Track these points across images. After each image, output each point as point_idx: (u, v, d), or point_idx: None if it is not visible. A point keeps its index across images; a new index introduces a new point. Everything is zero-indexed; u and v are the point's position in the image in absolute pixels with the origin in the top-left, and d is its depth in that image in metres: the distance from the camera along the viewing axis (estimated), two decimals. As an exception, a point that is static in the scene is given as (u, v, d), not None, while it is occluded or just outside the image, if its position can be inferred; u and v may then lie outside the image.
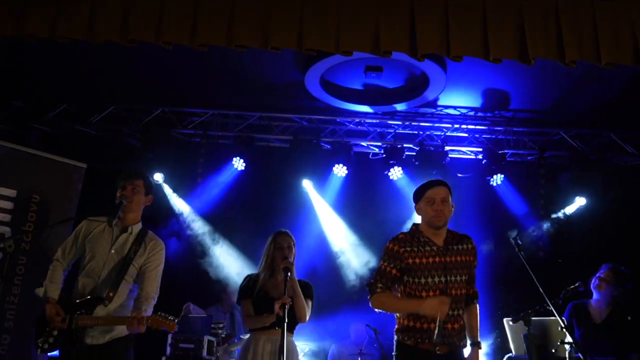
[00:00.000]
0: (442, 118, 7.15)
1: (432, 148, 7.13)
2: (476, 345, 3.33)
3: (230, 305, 6.52)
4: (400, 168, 7.12)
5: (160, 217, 6.85)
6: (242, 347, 4.02)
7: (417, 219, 3.50)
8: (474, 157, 7.34)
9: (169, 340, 5.65)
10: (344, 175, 7.18)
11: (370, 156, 7.44)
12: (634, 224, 6.27)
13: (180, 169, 7.12)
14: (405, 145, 7.23)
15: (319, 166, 7.12)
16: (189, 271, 6.87)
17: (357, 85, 6.63)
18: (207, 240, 7.29)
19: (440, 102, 6.89)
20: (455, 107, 7.00)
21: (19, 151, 4.80)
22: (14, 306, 4.55)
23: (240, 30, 3.74)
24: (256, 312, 3.90)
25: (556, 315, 3.53)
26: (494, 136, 7.23)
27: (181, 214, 7.34)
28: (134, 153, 6.85)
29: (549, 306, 3.67)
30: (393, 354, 3.34)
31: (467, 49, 3.79)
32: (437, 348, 3.17)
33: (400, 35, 3.79)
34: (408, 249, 3.29)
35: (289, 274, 3.71)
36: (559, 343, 3.74)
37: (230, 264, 7.16)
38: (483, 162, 7.15)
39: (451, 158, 7.23)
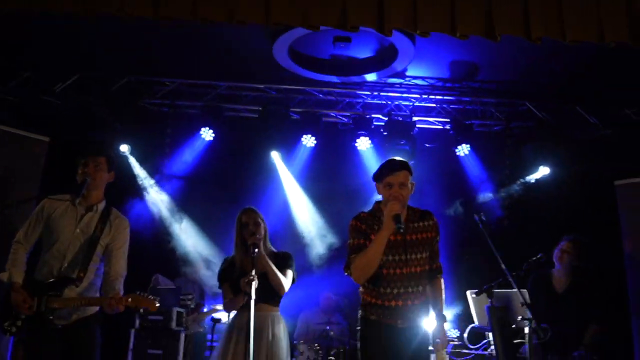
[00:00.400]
0: (410, 88, 7.16)
1: (400, 118, 7.17)
2: (441, 319, 3.42)
3: (196, 277, 6.55)
4: (368, 138, 7.16)
5: (126, 190, 6.77)
6: (227, 325, 4.06)
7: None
8: (441, 127, 7.40)
9: (137, 313, 5.67)
10: (312, 145, 7.18)
11: (339, 126, 7.44)
12: (596, 194, 6.43)
13: (147, 140, 7.02)
14: (373, 115, 7.26)
15: (288, 137, 7.11)
16: (156, 244, 6.84)
17: (326, 56, 6.58)
18: (174, 212, 7.25)
19: (408, 73, 6.88)
20: (423, 78, 7.00)
21: (-24, 125, 4.63)
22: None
23: (204, 4, 3.66)
24: (235, 293, 3.91)
25: (516, 288, 3.65)
26: (461, 107, 7.29)
27: (147, 186, 7.24)
28: (99, 124, 6.70)
29: (511, 279, 3.81)
30: (357, 328, 3.42)
31: (434, 25, 3.78)
32: (399, 322, 3.26)
33: (367, 10, 3.75)
34: (370, 226, 3.34)
35: (256, 249, 3.72)
36: (519, 318, 3.85)
37: (196, 237, 7.15)
38: (450, 133, 7.23)
39: (419, 128, 7.27)
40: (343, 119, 7.38)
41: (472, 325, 4.51)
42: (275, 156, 7.43)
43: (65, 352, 3.46)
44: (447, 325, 3.50)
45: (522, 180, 7.38)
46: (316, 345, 6.08)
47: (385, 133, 7.12)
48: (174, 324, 5.66)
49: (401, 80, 7.06)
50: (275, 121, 6.97)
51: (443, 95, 7.20)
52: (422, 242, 3.38)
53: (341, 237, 7.09)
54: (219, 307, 6.22)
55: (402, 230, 3.15)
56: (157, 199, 7.24)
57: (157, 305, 3.53)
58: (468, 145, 7.17)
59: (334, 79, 6.87)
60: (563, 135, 7.09)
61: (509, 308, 4.00)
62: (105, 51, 6.35)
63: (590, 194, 6.43)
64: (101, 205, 3.71)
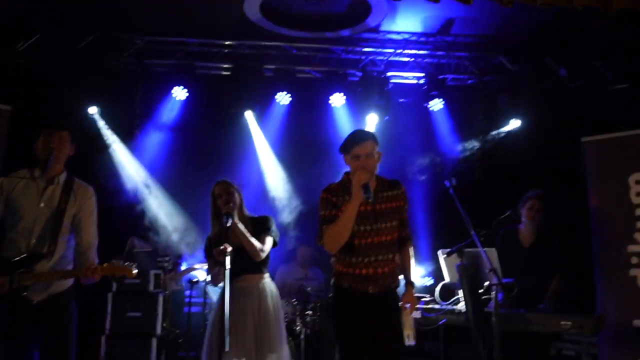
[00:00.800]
0: (384, 43, 7.10)
1: (375, 74, 7.14)
2: (409, 284, 3.53)
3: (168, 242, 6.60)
4: (342, 94, 7.15)
5: (95, 153, 6.69)
6: (218, 296, 4.06)
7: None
8: (415, 82, 7.41)
9: (114, 276, 5.71)
10: (287, 103, 7.14)
11: (313, 83, 7.38)
12: (564, 148, 6.52)
13: (117, 100, 6.87)
14: (348, 71, 7.22)
15: (262, 95, 7.05)
16: (127, 208, 6.79)
17: (299, 11, 6.46)
18: (145, 177, 7.18)
19: (382, 28, 6.82)
20: (398, 32, 6.94)
21: None
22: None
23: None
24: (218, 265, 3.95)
25: (483, 252, 3.76)
26: (435, 60, 7.28)
27: (117, 149, 7.13)
28: (65, 85, 6.51)
29: (480, 238, 3.94)
30: (329, 295, 3.52)
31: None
32: (370, 288, 3.36)
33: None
34: (340, 198, 3.38)
35: (229, 219, 3.75)
36: (487, 270, 3.97)
37: (167, 201, 7.13)
38: (424, 88, 7.24)
39: (393, 84, 7.27)
40: (317, 75, 7.33)
41: (443, 282, 4.66)
42: (249, 116, 7.37)
43: (41, 328, 3.46)
44: (418, 282, 3.62)
45: (493, 133, 7.48)
46: (293, 300, 6.21)
47: (360, 89, 7.11)
48: (151, 287, 5.71)
49: (375, 35, 6.99)
50: (248, 78, 6.89)
51: (417, 49, 7.16)
52: (392, 211, 3.44)
53: (316, 195, 7.16)
54: (197, 265, 6.31)
55: (370, 200, 3.20)
56: (127, 162, 7.14)
57: (135, 272, 3.54)
58: (442, 100, 7.21)
59: (307, 35, 6.78)
60: (534, 88, 7.16)
61: (479, 266, 4.12)
62: (69, 7, 6.11)
63: (559, 148, 6.52)
64: (62, 177, 3.64)
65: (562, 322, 4.06)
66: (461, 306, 4.44)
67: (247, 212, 4.16)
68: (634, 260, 4.69)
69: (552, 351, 6.04)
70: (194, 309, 6.20)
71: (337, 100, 7.14)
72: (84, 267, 3.47)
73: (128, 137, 7.10)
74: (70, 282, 3.62)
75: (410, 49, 7.13)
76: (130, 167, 7.13)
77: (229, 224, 3.71)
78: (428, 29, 6.84)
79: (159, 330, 5.66)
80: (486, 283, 3.98)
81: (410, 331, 3.45)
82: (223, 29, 6.72)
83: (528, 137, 7.18)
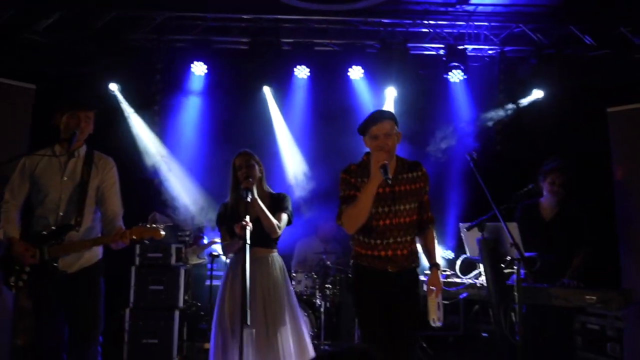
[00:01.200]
0: (403, 14, 6.98)
1: (394, 45, 7.03)
2: (434, 267, 3.53)
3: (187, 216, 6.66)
4: (360, 67, 7.07)
5: (116, 131, 6.74)
6: (227, 267, 4.15)
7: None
8: (435, 53, 7.29)
9: (137, 251, 5.80)
10: (305, 77, 7.10)
11: (331, 55, 7.30)
12: (589, 119, 6.41)
13: (136, 77, 6.91)
14: (366, 42, 7.12)
15: (280, 68, 7.01)
16: (147, 183, 6.86)
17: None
18: (165, 152, 7.23)
19: (401, -3, 6.71)
20: (417, 2, 6.81)
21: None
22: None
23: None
24: (232, 237, 3.99)
25: (504, 225, 3.73)
26: (455, 31, 7.14)
27: (137, 124, 7.19)
28: (87, 62, 6.56)
29: (501, 211, 3.89)
30: (349, 275, 3.53)
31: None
32: (389, 267, 3.36)
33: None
34: (359, 179, 3.37)
35: (249, 194, 3.76)
36: (509, 244, 3.92)
37: (188, 178, 7.18)
38: (444, 59, 7.13)
39: (413, 55, 7.16)
40: (335, 47, 7.24)
41: (464, 256, 4.63)
42: (267, 92, 7.34)
43: (71, 301, 3.56)
44: (442, 256, 3.62)
45: (515, 104, 7.35)
46: (313, 273, 6.25)
47: (378, 61, 7.02)
48: (173, 260, 5.79)
49: (395, 6, 6.87)
50: (266, 52, 6.85)
51: (437, 19, 7.03)
52: (411, 193, 3.41)
53: (337, 168, 7.15)
54: (218, 239, 6.36)
55: (389, 182, 3.18)
56: (147, 137, 7.19)
57: (163, 233, 3.58)
58: (462, 71, 7.09)
59: (324, 7, 6.68)
60: (558, 57, 6.99)
61: (500, 240, 4.08)
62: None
63: (583, 119, 6.40)
64: (82, 150, 3.71)
65: (587, 297, 4.00)
66: (482, 280, 4.42)
67: (266, 186, 4.17)
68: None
69: (576, 324, 6.04)
70: (215, 282, 6.27)
71: (356, 72, 7.06)
72: (112, 234, 3.53)
73: (148, 113, 7.13)
74: (99, 255, 3.72)
75: (430, 19, 7.00)
76: (151, 143, 7.19)
77: (248, 199, 3.72)
78: (448, -3, 6.71)
79: (181, 303, 5.76)
80: (508, 257, 3.94)
81: (435, 315, 3.45)
82: (240, 3, 6.67)
83: (551, 108, 7.05)
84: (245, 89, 7.12)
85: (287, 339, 3.92)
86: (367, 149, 3.45)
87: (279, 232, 3.98)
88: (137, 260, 5.78)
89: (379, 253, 3.37)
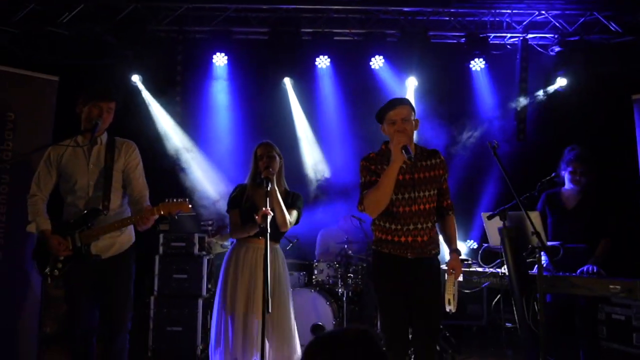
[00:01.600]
0: (424, 2, 6.92)
1: (414, 34, 6.98)
2: (455, 252, 3.54)
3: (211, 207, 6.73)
4: (381, 56, 7.05)
5: (138, 121, 6.81)
6: (228, 254, 4.20)
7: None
8: (456, 42, 7.22)
9: (161, 240, 5.88)
10: (326, 66, 7.10)
11: (351, 45, 7.28)
12: (614, 106, 6.31)
13: (158, 68, 6.96)
14: (387, 31, 7.08)
15: (301, 58, 7.01)
16: (171, 174, 6.95)
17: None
18: (187, 142, 7.31)
19: (421, -15, 6.66)
20: (437, -10, 6.77)
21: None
22: (2, 224, 4.62)
23: None
24: (243, 221, 4.04)
25: (525, 213, 3.70)
26: (477, 18, 7.07)
27: (160, 116, 7.27)
28: (109, 53, 6.65)
29: (525, 200, 3.87)
30: (371, 261, 3.56)
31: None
32: (409, 254, 3.39)
33: None
34: (379, 166, 3.41)
35: (269, 184, 3.80)
36: (530, 233, 3.89)
37: (210, 169, 7.23)
38: (465, 47, 7.06)
39: (433, 43, 7.11)
40: (356, 37, 7.22)
41: (486, 245, 4.61)
42: (287, 83, 7.36)
43: (103, 286, 3.64)
44: (465, 246, 3.63)
45: (538, 92, 7.26)
46: (335, 263, 6.29)
47: (398, 49, 6.98)
48: (196, 249, 5.86)
49: (414, -6, 6.83)
50: (286, 42, 6.85)
51: (458, 7, 6.96)
52: (431, 180, 3.44)
53: (358, 158, 7.16)
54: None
55: (412, 160, 3.21)
56: (169, 128, 7.27)
57: (190, 206, 3.60)
58: (483, 60, 7.04)
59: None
60: (582, 45, 6.88)
61: (523, 229, 4.04)
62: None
63: (608, 107, 6.31)
64: (104, 137, 3.78)
65: (611, 286, 3.95)
66: (504, 269, 4.40)
67: (284, 181, 4.23)
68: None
69: (601, 315, 5.98)
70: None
71: (377, 62, 7.04)
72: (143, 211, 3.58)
73: (169, 104, 7.19)
74: (131, 241, 3.80)
75: (451, 7, 6.93)
76: (172, 133, 7.27)
77: (268, 189, 3.76)
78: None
79: (204, 292, 5.83)
80: (529, 246, 3.91)
81: (450, 296, 3.45)
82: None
83: (576, 95, 6.96)
84: (266, 79, 7.15)
85: (289, 328, 4.01)
86: (387, 138, 3.46)
87: (288, 227, 4.04)
88: (161, 249, 5.86)
89: (399, 239, 3.40)
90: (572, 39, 6.90)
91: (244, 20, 6.98)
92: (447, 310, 3.48)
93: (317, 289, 6.10)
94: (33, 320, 4.54)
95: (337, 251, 6.55)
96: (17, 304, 4.47)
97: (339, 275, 6.20)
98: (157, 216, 3.55)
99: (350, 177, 7.16)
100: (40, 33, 6.54)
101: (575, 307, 4.36)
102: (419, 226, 3.39)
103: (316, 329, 5.79)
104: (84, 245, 3.57)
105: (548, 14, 6.89)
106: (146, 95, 7.21)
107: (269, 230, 3.57)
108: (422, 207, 3.40)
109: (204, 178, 7.17)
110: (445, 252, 3.86)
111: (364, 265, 6.40)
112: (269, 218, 3.65)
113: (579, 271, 4.21)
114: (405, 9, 6.96)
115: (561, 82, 7.09)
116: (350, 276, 6.23)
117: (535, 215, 3.98)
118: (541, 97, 7.26)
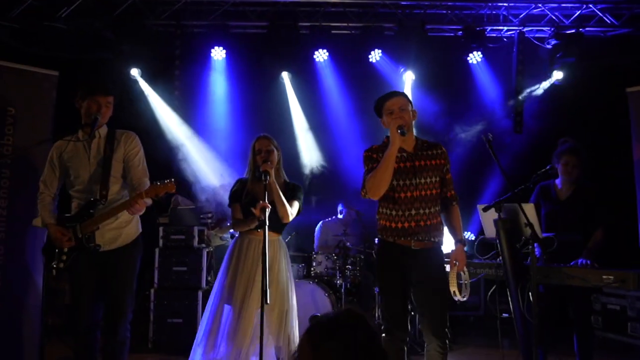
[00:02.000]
0: (421, -5, 6.96)
1: (411, 28, 7.01)
2: (460, 242, 3.63)
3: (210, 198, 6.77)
4: (379, 50, 7.08)
5: (138, 115, 6.84)
6: (230, 246, 4.25)
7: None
8: (453, 35, 7.26)
9: (161, 233, 5.94)
10: (323, 60, 7.14)
11: (349, 39, 7.31)
12: (611, 94, 6.34)
13: (156, 62, 7.00)
14: (385, 25, 7.12)
15: (299, 52, 7.05)
16: (171, 167, 6.98)
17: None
18: (186, 136, 7.35)
19: (418, -22, 6.68)
20: (434, -17, 6.79)
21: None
22: (3, 218, 4.66)
23: None
24: (244, 215, 4.08)
25: (518, 204, 3.76)
26: (474, 12, 7.10)
27: (158, 110, 7.30)
28: (107, 48, 6.68)
29: (520, 192, 3.91)
30: (375, 249, 3.65)
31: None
32: (413, 243, 3.47)
33: None
34: (380, 154, 3.50)
35: (268, 177, 3.85)
36: (524, 224, 3.94)
37: (209, 161, 7.28)
38: (462, 40, 7.10)
39: (431, 37, 7.14)
40: (353, 30, 7.25)
41: (482, 236, 4.66)
42: (285, 77, 7.41)
43: (108, 277, 3.69)
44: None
45: (535, 85, 7.31)
46: (334, 255, 6.35)
47: (396, 43, 7.02)
48: (195, 242, 5.92)
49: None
50: (284, 36, 6.88)
51: (454, 1, 6.99)
52: (432, 168, 3.55)
53: (356, 152, 7.23)
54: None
55: (405, 135, 3.37)
56: (169, 120, 7.32)
57: (174, 185, 3.58)
58: (480, 53, 7.07)
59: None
60: (578, 37, 6.92)
61: (518, 220, 4.09)
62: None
63: (604, 99, 6.35)
64: (103, 130, 3.81)
65: (604, 277, 4.01)
66: (499, 260, 4.45)
67: (283, 173, 4.25)
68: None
69: (597, 305, 6.05)
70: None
71: (375, 55, 7.08)
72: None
73: (168, 98, 7.23)
74: (136, 233, 3.84)
75: (448, 0, 6.96)
76: (171, 127, 7.30)
77: (266, 182, 3.81)
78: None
79: (204, 284, 5.89)
80: (523, 237, 3.97)
81: (455, 288, 3.51)
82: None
83: (572, 88, 7.00)
84: (264, 73, 7.18)
85: (290, 319, 4.05)
86: (387, 134, 3.55)
87: (291, 218, 4.08)
88: (161, 242, 5.91)
89: (403, 225, 3.49)
90: (568, 32, 6.94)
91: (242, 14, 7.01)
92: (456, 300, 3.54)
93: (316, 280, 6.16)
94: (36, 313, 4.58)
95: (336, 243, 6.61)
96: (19, 296, 4.51)
97: (338, 267, 6.26)
98: (148, 200, 3.58)
99: (347, 169, 7.23)
100: (39, 28, 6.56)
101: (569, 298, 4.42)
102: (420, 211, 3.49)
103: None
104: (85, 236, 3.63)
105: (544, 7, 6.93)
106: (145, 88, 7.25)
107: (267, 223, 3.62)
108: (422, 193, 3.50)
109: (203, 171, 7.21)
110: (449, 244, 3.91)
111: (362, 257, 6.46)
112: (268, 211, 3.70)
113: (572, 263, 4.26)
114: (403, 3, 7.00)
115: (557, 75, 7.14)
116: (348, 268, 6.28)
117: (530, 207, 4.03)
118: (538, 89, 7.31)
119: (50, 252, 3.66)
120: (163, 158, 6.90)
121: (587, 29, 6.96)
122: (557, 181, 4.68)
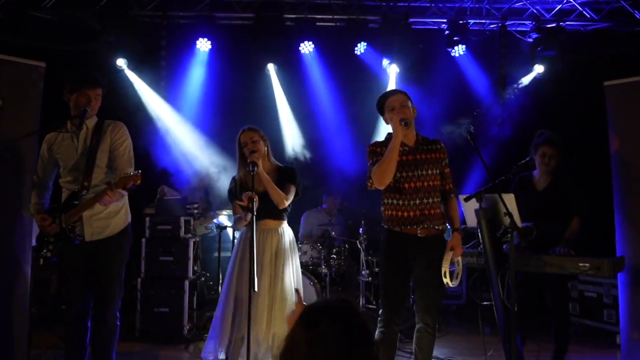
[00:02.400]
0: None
1: (395, 20, 7.09)
2: (456, 231, 3.81)
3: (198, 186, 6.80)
4: (364, 43, 7.15)
5: (126, 106, 6.84)
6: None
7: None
8: (436, 28, 7.34)
9: (147, 224, 5.97)
10: (308, 52, 7.19)
11: (334, 31, 7.37)
12: (590, 88, 6.46)
13: (142, 52, 7.00)
14: (369, 18, 7.18)
15: (284, 45, 7.09)
16: (157, 155, 7.00)
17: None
18: (172, 126, 7.38)
19: (403, -28, 6.75)
20: (418, -24, 6.87)
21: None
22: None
23: None
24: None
25: (498, 195, 3.87)
26: (457, 5, 7.20)
27: (146, 99, 7.32)
28: (92, 38, 6.66)
29: (500, 183, 4.02)
30: (381, 239, 3.77)
31: None
32: (419, 231, 3.66)
33: None
34: (384, 148, 3.68)
35: (256, 168, 3.90)
36: (504, 213, 4.04)
37: (197, 150, 7.32)
38: (446, 33, 7.19)
39: (415, 30, 7.23)
40: (339, 23, 7.30)
41: (463, 226, 4.76)
42: (271, 69, 7.46)
43: (96, 266, 3.74)
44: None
45: (518, 78, 7.43)
46: (319, 244, 6.44)
47: (380, 36, 7.09)
48: (182, 232, 5.96)
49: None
50: (270, 28, 6.91)
51: (439, -7, 7.08)
52: (432, 161, 3.75)
53: (341, 143, 7.33)
54: (224, 211, 6.53)
55: (407, 126, 3.55)
56: (158, 109, 7.33)
57: (140, 176, 3.59)
58: (464, 46, 7.17)
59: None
60: (558, 31, 7.04)
61: (498, 210, 4.19)
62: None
63: (584, 93, 6.47)
64: (91, 122, 3.83)
65: (581, 264, 4.13)
66: (480, 249, 4.56)
67: (273, 159, 4.29)
68: (655, 205, 4.68)
69: (574, 293, 6.22)
70: (223, 254, 6.45)
71: (360, 48, 7.15)
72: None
73: (154, 90, 7.24)
74: (124, 223, 3.89)
75: (431, -7, 7.05)
76: (159, 116, 7.32)
77: (254, 173, 3.87)
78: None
79: (190, 274, 5.93)
80: (502, 227, 4.08)
81: (446, 269, 3.65)
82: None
83: (553, 82, 7.13)
84: (249, 65, 7.21)
85: (291, 305, 4.10)
86: (388, 131, 3.76)
87: (287, 203, 4.12)
88: (148, 232, 5.94)
89: (409, 213, 3.66)
90: (549, 25, 7.06)
91: (228, 5, 7.04)
92: (445, 283, 3.67)
93: (301, 270, 6.23)
94: (25, 303, 4.59)
95: (321, 233, 6.70)
96: (8, 288, 4.52)
97: (322, 257, 6.34)
98: (123, 192, 3.62)
99: (332, 160, 7.31)
100: (25, 18, 6.52)
101: (547, 286, 4.55)
102: (424, 201, 3.68)
103: (300, 309, 5.92)
104: (69, 226, 3.67)
105: (526, 1, 7.05)
106: (132, 77, 7.24)
107: (254, 213, 3.69)
108: (425, 184, 3.70)
109: (189, 162, 7.23)
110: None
111: (347, 246, 6.56)
112: (256, 201, 3.76)
113: (550, 252, 4.38)
114: (387, -5, 7.07)
115: (539, 68, 7.26)
116: (333, 257, 6.38)
117: (509, 197, 4.13)
118: (520, 82, 7.43)
119: (40, 243, 3.72)
120: (150, 149, 6.92)
121: (567, 23, 7.10)
122: (535, 172, 4.79)
